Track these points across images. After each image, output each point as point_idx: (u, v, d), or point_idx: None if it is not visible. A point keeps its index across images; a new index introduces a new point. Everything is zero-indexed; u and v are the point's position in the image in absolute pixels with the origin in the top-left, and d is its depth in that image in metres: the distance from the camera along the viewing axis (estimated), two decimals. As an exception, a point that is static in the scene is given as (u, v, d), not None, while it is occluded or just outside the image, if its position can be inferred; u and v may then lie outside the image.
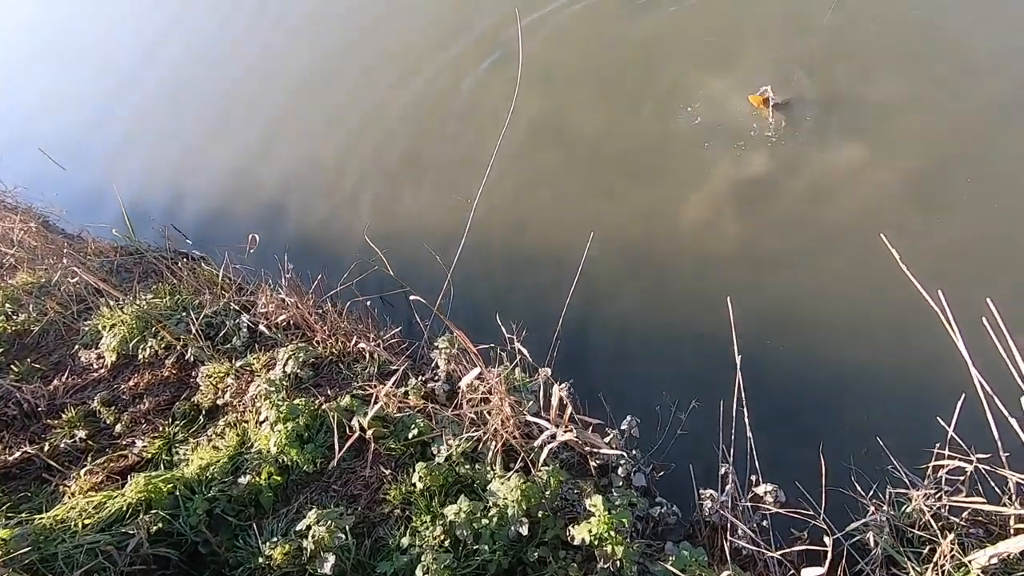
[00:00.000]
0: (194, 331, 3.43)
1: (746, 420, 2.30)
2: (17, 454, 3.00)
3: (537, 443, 2.29)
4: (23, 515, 2.49)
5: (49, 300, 3.95)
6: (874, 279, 3.18)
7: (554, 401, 2.21)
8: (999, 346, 1.99)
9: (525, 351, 2.32)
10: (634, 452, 2.55)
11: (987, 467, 2.02)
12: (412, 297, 2.35)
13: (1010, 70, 3.91)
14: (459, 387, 2.59)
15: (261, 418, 2.83)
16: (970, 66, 4.00)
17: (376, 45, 6.12)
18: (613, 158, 4.29)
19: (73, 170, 5.42)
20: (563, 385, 2.33)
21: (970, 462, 2.01)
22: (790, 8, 4.80)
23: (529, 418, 2.35)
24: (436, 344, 2.86)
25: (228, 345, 3.48)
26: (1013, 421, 1.97)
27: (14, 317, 4.00)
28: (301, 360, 3.17)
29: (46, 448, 3.02)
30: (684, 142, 4.16)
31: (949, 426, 2.09)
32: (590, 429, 2.36)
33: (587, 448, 2.44)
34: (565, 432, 2.20)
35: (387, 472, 2.60)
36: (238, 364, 3.28)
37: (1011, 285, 3.05)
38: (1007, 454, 2.04)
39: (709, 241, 3.68)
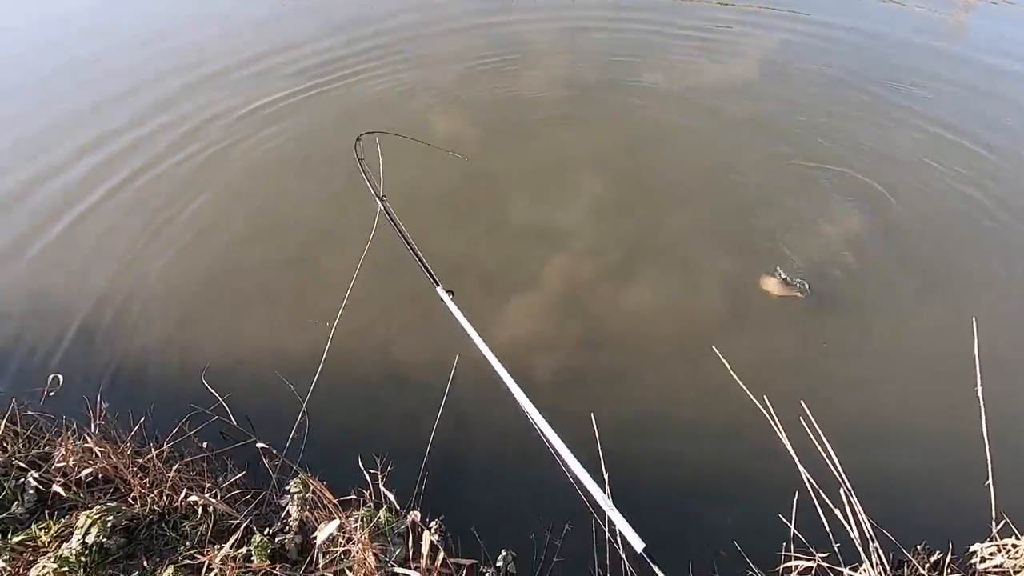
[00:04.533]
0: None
1: (617, 539, 2.30)
2: None
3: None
4: None
5: None
6: (708, 385, 3.55)
7: (424, 549, 2.03)
8: (816, 444, 2.29)
9: (391, 495, 2.14)
10: (512, 590, 2.39)
11: (828, 564, 2.20)
12: (259, 445, 2.09)
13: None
14: (314, 539, 2.28)
15: (45, 613, 2.20)
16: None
17: (234, 165, 5.93)
18: (474, 277, 4.44)
19: None
20: (433, 524, 2.16)
21: (813, 560, 2.17)
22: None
23: (397, 570, 2.11)
24: (287, 488, 2.53)
25: (6, 514, 2.74)
26: (837, 512, 2.22)
27: None
28: (109, 525, 2.58)
29: None
30: (531, 262, 4.47)
31: (791, 524, 2.29)
32: (463, 572, 2.17)
33: (462, 595, 2.23)
34: (436, 581, 2.00)
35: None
36: (16, 539, 2.58)
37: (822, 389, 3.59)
38: (837, 544, 2.26)
39: (558, 354, 3.87)
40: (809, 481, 2.23)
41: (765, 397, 2.33)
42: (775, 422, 2.30)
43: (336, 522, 1.99)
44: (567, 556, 2.75)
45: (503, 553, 2.42)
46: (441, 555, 2.06)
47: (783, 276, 4.23)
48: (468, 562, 2.21)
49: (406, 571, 2.03)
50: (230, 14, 9.26)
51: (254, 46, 8.04)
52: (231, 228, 5.04)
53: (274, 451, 2.13)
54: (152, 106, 6.77)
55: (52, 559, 2.41)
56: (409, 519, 2.22)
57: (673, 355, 3.84)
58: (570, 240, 4.67)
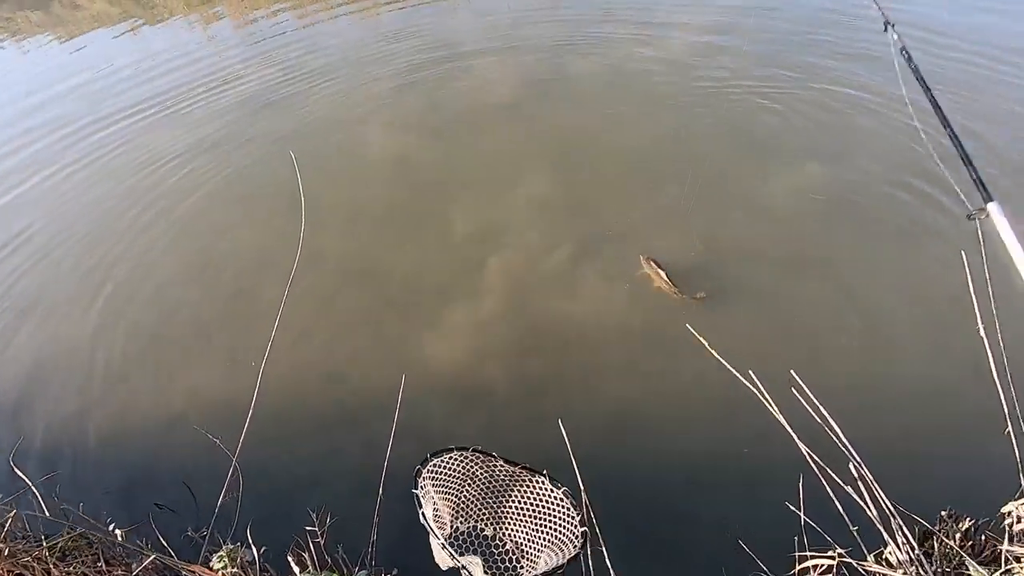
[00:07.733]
0: None
1: (607, 559, 1.97)
2: None
3: None
4: None
5: None
6: (690, 369, 3.25)
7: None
8: (812, 413, 1.98)
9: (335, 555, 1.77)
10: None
11: (848, 559, 1.89)
12: (152, 557, 1.69)
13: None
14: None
15: None
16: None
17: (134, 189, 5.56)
18: (429, 293, 4.07)
19: None
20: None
21: (832, 558, 1.87)
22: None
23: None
24: (211, 564, 2.13)
25: None
26: (849, 490, 1.92)
27: None
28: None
29: None
30: (490, 271, 4.14)
31: (800, 511, 1.98)
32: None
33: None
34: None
35: None
36: None
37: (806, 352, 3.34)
38: (855, 527, 1.96)
39: (525, 359, 3.56)
40: (812, 459, 1.93)
41: (751, 372, 2.02)
42: (766, 399, 1.99)
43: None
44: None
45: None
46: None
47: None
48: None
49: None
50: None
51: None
52: (161, 270, 4.64)
53: (164, 556, 1.73)
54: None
55: None
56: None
57: (642, 347, 3.54)
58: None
